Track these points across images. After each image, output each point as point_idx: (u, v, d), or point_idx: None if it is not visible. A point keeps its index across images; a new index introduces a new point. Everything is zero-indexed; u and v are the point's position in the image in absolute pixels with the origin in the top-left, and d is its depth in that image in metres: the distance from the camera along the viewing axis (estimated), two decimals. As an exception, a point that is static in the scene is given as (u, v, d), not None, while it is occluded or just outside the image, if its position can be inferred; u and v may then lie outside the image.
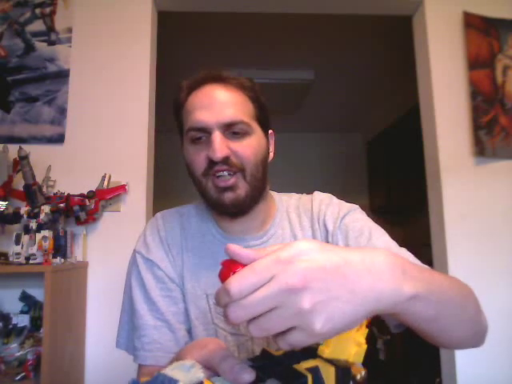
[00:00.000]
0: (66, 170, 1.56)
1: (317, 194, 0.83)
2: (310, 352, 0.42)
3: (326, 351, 0.41)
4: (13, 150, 1.44)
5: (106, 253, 1.54)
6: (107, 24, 1.68)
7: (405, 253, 0.70)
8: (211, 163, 0.68)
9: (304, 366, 0.40)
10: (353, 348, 0.41)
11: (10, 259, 1.30)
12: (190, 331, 0.73)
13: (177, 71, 3.02)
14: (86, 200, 1.46)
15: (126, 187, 1.55)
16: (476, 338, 0.57)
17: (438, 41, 1.76)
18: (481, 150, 1.67)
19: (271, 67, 2.93)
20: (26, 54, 1.62)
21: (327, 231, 0.75)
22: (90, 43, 1.66)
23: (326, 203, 0.79)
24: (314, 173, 4.27)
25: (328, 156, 4.40)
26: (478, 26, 1.74)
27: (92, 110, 1.62)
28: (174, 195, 4.35)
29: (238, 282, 0.35)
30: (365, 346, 0.42)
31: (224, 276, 0.38)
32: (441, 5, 1.78)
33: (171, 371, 0.38)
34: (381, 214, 3.69)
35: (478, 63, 1.72)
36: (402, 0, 1.84)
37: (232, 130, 0.69)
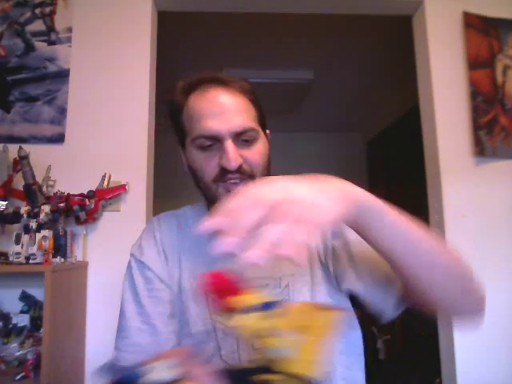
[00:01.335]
0: (66, 170, 1.56)
1: None
2: (269, 368, 0.43)
3: (286, 365, 0.41)
4: (13, 149, 1.44)
5: (106, 253, 1.54)
6: (107, 24, 1.68)
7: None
8: (223, 171, 0.69)
9: (263, 378, 0.41)
10: (310, 363, 0.41)
11: (10, 259, 1.30)
12: (187, 330, 0.73)
13: (177, 71, 3.02)
14: (86, 200, 1.46)
15: (126, 187, 1.55)
16: (467, 299, 0.60)
17: (438, 41, 1.76)
18: (481, 149, 1.67)
19: (271, 67, 2.93)
20: (25, 54, 1.62)
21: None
22: (90, 43, 1.66)
23: None
24: (314, 173, 4.27)
25: (328, 156, 4.40)
26: (477, 26, 1.74)
27: (92, 110, 1.62)
28: (174, 195, 4.35)
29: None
30: (321, 360, 0.42)
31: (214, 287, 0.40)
32: (441, 5, 1.78)
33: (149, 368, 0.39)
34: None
35: (478, 63, 1.72)
36: (402, 0, 1.84)
37: (242, 137, 0.69)
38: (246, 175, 0.69)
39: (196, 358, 0.46)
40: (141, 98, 1.65)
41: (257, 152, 0.71)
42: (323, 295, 0.72)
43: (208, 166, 0.70)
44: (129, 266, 0.79)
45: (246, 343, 0.70)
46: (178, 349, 0.57)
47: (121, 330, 0.73)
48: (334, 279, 0.73)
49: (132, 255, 0.80)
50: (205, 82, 0.73)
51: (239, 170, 0.69)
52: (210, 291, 0.44)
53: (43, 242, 1.30)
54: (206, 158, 0.70)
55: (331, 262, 0.73)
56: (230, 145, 0.67)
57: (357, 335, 0.77)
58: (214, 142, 0.69)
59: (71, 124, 1.60)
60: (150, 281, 0.75)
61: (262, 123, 0.76)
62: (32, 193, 1.38)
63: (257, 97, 0.75)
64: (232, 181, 0.69)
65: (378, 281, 0.68)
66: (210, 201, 0.74)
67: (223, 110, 0.69)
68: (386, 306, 0.68)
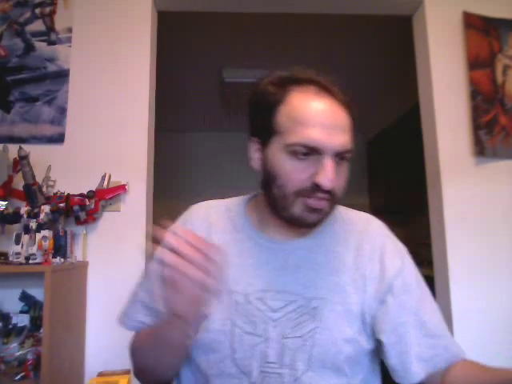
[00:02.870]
0: (66, 170, 1.56)
1: (371, 217, 0.82)
2: None
3: None
4: (13, 149, 1.44)
5: (106, 253, 1.54)
6: (107, 24, 1.68)
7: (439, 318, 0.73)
8: (315, 187, 0.65)
9: None
10: None
11: (10, 259, 1.30)
12: (204, 327, 0.72)
13: (177, 71, 3.03)
14: (86, 200, 1.46)
15: (126, 187, 1.55)
16: None
17: (438, 41, 1.76)
18: (481, 149, 1.67)
19: (271, 67, 2.92)
20: (25, 54, 1.62)
21: (381, 272, 0.74)
22: (90, 43, 1.66)
23: (386, 239, 0.78)
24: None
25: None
26: (477, 26, 1.74)
27: (92, 110, 1.62)
28: (174, 195, 4.35)
29: None
30: None
31: None
32: (441, 5, 1.78)
33: None
34: (381, 214, 3.68)
35: (478, 63, 1.72)
36: (402, 0, 1.84)
37: (340, 157, 0.66)
38: (331, 196, 0.67)
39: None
40: (141, 98, 1.65)
41: (344, 175, 0.69)
42: (349, 329, 0.70)
43: (297, 177, 0.66)
44: (159, 253, 0.79)
45: (268, 354, 0.69)
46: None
47: (147, 308, 0.77)
48: (370, 320, 0.72)
49: (163, 242, 0.79)
50: (307, 82, 0.69)
51: (330, 189, 0.65)
52: None
53: (43, 242, 1.30)
54: (297, 168, 0.66)
55: (378, 306, 0.72)
56: (331, 163, 0.64)
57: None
58: (312, 153, 0.64)
59: (71, 124, 1.60)
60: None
61: None
62: (32, 193, 1.38)
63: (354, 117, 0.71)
64: (317, 198, 0.66)
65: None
66: (276, 208, 0.71)
67: (336, 124, 0.65)
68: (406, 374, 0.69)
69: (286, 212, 0.69)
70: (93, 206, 1.47)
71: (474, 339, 1.54)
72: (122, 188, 1.54)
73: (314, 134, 0.63)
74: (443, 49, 1.76)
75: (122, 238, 1.56)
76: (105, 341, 1.48)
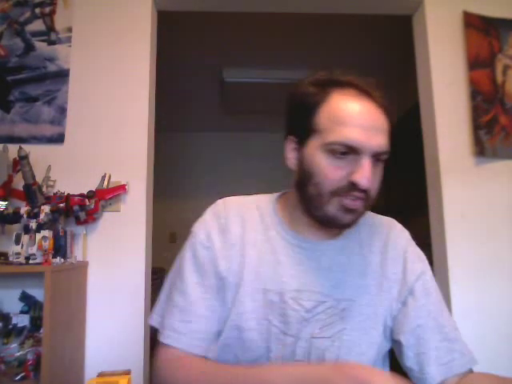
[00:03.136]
0: (66, 170, 1.56)
1: (394, 221, 0.84)
2: None
3: None
4: (13, 149, 1.44)
5: (106, 253, 1.54)
6: (107, 24, 1.68)
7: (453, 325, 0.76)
8: (352, 186, 0.66)
9: None
10: None
11: (10, 259, 1.30)
12: (237, 322, 0.72)
13: (177, 71, 3.03)
14: (86, 200, 1.46)
15: (126, 187, 1.55)
16: None
17: (438, 41, 1.76)
18: (481, 149, 1.67)
19: (271, 67, 2.93)
20: (25, 54, 1.62)
21: (404, 274, 0.76)
22: (90, 43, 1.66)
23: (409, 243, 0.81)
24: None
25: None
26: (477, 26, 1.74)
27: (92, 110, 1.62)
28: (173, 195, 4.35)
29: None
30: None
31: None
32: (441, 5, 1.78)
33: None
34: (381, 214, 3.68)
35: (478, 63, 1.72)
36: (402, 0, 1.84)
37: (376, 158, 0.67)
38: (366, 195, 0.67)
39: None
40: (141, 97, 1.65)
41: (378, 177, 0.70)
42: (375, 331, 0.73)
43: (335, 175, 0.66)
44: (191, 247, 0.76)
45: (296, 353, 0.70)
46: None
47: (183, 311, 0.72)
48: (390, 322, 0.75)
49: (196, 236, 0.76)
50: (347, 84, 0.70)
51: (366, 189, 0.66)
52: None
53: (43, 242, 1.30)
54: (334, 167, 0.67)
55: (399, 307, 0.75)
56: (368, 163, 0.65)
57: None
58: (350, 152, 0.66)
59: (71, 124, 1.60)
60: (217, 268, 0.73)
61: None
62: (32, 193, 1.38)
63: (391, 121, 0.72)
64: (352, 197, 0.66)
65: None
66: (310, 207, 0.71)
67: (374, 125, 0.66)
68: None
69: (320, 211, 0.69)
70: (93, 206, 1.47)
71: (474, 339, 1.54)
72: (121, 188, 1.54)
73: (354, 134, 0.65)
74: (443, 49, 1.76)
75: (122, 237, 1.55)
76: (105, 341, 1.48)
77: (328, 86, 0.70)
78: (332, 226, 0.72)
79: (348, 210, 0.68)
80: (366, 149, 0.65)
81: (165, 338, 0.72)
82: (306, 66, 3.03)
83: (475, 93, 1.69)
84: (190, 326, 0.71)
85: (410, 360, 0.72)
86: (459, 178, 1.68)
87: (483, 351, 1.57)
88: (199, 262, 0.74)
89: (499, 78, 1.72)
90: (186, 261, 0.75)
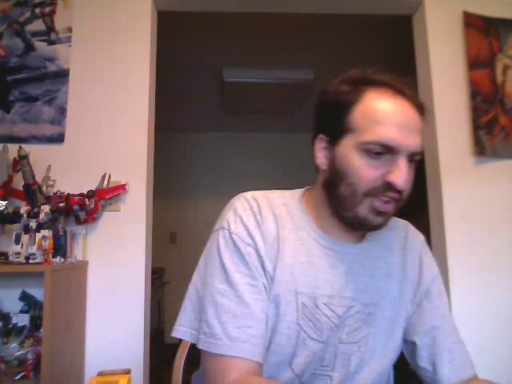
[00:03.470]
0: (66, 170, 1.56)
1: (408, 223, 0.84)
2: None
3: None
4: (13, 149, 1.44)
5: (106, 252, 1.54)
6: (107, 24, 1.68)
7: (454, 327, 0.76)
8: (387, 186, 0.64)
9: None
10: None
11: (10, 259, 1.30)
12: (272, 328, 0.68)
13: (177, 71, 3.03)
14: (86, 200, 1.46)
15: (126, 187, 1.55)
16: None
17: (438, 41, 1.76)
18: (481, 149, 1.67)
19: (271, 67, 2.93)
20: (25, 54, 1.62)
21: (420, 276, 0.77)
22: (90, 43, 1.66)
23: (424, 246, 0.81)
24: (314, 172, 4.28)
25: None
26: (477, 26, 1.74)
27: (92, 110, 1.62)
28: (173, 195, 4.35)
29: None
30: None
31: None
32: (441, 5, 1.78)
33: None
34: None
35: (478, 63, 1.72)
36: (402, 0, 1.84)
37: (410, 158, 0.65)
38: (400, 197, 0.65)
39: None
40: (141, 98, 1.65)
41: (411, 178, 0.67)
42: (397, 334, 0.74)
43: (370, 176, 0.64)
44: (231, 244, 0.69)
45: (319, 359, 0.69)
46: None
47: (239, 316, 0.65)
48: (406, 323, 0.76)
49: (234, 233, 0.69)
50: (382, 84, 0.67)
51: (402, 190, 0.64)
52: None
53: (43, 242, 1.30)
54: (369, 166, 0.64)
55: (415, 307, 0.76)
56: (405, 163, 0.63)
57: None
58: (386, 152, 0.64)
59: (71, 124, 1.60)
60: (261, 266, 0.69)
61: None
62: (32, 193, 1.38)
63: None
64: (386, 198, 0.64)
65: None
66: (340, 208, 0.69)
67: (410, 125, 0.64)
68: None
69: (351, 212, 0.67)
70: (93, 206, 1.47)
71: (474, 339, 1.54)
72: (121, 188, 1.54)
73: (390, 133, 0.63)
74: (443, 49, 1.76)
75: (121, 237, 1.56)
76: (105, 341, 1.48)
77: (362, 84, 0.68)
78: (361, 228, 0.71)
79: (379, 213, 0.66)
80: (403, 148, 0.63)
81: (221, 348, 0.63)
82: (306, 65, 3.04)
83: (475, 93, 1.69)
84: (251, 331, 0.64)
85: (423, 360, 0.73)
86: (459, 178, 1.68)
87: (483, 351, 1.58)
88: (245, 260, 0.68)
89: (499, 78, 1.72)
90: (227, 260, 0.68)
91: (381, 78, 0.68)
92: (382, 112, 0.64)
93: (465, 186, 1.68)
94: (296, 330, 0.68)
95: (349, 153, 0.66)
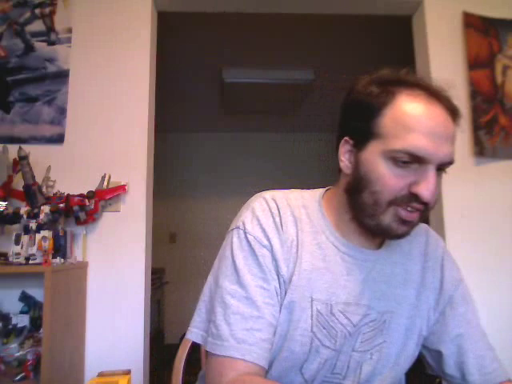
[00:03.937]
0: (66, 170, 1.56)
1: (428, 227, 0.80)
2: None
3: None
4: (13, 150, 1.44)
5: (106, 253, 1.54)
6: (107, 24, 1.68)
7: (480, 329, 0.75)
8: (413, 197, 0.61)
9: None
10: None
11: (10, 259, 1.30)
12: (284, 335, 0.67)
13: (177, 71, 3.03)
14: (86, 200, 1.46)
15: (126, 187, 1.55)
16: None
17: (438, 41, 1.76)
18: (481, 149, 1.67)
19: (271, 67, 2.93)
20: (25, 54, 1.62)
21: (441, 283, 0.75)
22: (90, 43, 1.66)
23: (445, 251, 0.79)
24: (314, 172, 4.28)
25: (328, 156, 4.41)
26: (477, 26, 1.74)
27: (92, 110, 1.62)
28: (173, 195, 4.35)
29: None
30: None
31: None
32: (440, 5, 1.78)
33: None
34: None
35: (478, 63, 1.72)
36: (402, 0, 1.84)
37: (441, 167, 0.63)
38: (425, 207, 0.63)
39: None
40: (141, 98, 1.65)
41: (438, 187, 0.63)
42: (412, 342, 0.72)
43: (395, 185, 0.61)
44: (246, 245, 0.67)
45: (330, 366, 0.68)
46: None
47: (248, 319, 0.63)
48: (425, 331, 0.74)
49: (251, 234, 0.67)
50: (416, 86, 0.64)
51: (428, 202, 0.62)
52: None
53: (43, 243, 1.30)
54: (396, 175, 0.61)
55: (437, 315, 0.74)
56: (433, 175, 0.60)
57: None
58: (415, 162, 0.60)
59: (71, 124, 1.60)
60: (276, 270, 0.67)
61: None
62: (32, 193, 1.38)
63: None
64: (411, 209, 0.62)
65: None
66: (362, 214, 0.66)
67: (443, 133, 0.60)
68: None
69: (374, 220, 0.64)
70: (93, 207, 1.47)
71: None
72: (121, 188, 1.54)
73: (422, 143, 0.59)
74: (443, 49, 1.76)
75: (121, 238, 1.56)
76: (105, 341, 1.48)
77: (393, 86, 0.64)
78: (384, 237, 0.69)
79: (404, 222, 0.63)
80: (433, 159, 0.60)
81: (227, 349, 0.62)
82: (306, 66, 3.04)
83: (475, 93, 1.69)
84: (260, 335, 0.63)
85: (450, 368, 0.71)
86: (459, 178, 1.68)
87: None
88: (259, 262, 0.66)
89: (499, 78, 1.72)
90: (240, 260, 0.66)
91: (414, 80, 0.65)
92: (413, 118, 0.60)
93: (465, 186, 1.68)
94: (309, 338, 0.66)
95: (375, 159, 0.62)
